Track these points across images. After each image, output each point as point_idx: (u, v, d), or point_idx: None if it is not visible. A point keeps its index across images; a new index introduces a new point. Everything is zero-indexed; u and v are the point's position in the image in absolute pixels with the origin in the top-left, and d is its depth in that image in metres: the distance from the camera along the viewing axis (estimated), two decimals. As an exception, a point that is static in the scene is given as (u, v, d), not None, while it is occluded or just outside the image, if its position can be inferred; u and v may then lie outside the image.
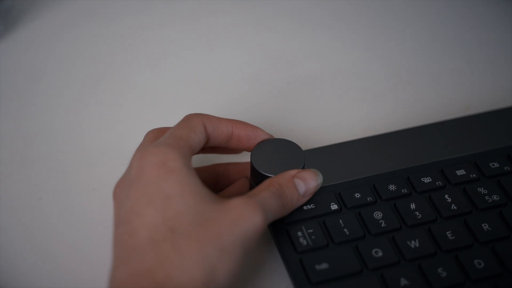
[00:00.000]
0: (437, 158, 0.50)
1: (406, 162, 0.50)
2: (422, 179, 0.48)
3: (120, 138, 0.55)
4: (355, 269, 0.43)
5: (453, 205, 0.47)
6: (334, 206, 0.46)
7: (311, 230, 0.45)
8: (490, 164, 0.49)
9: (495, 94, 0.60)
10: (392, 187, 0.48)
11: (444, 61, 0.63)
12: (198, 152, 0.46)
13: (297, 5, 0.68)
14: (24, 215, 0.49)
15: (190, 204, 0.39)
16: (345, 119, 0.57)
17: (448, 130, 0.52)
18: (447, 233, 0.45)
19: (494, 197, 0.47)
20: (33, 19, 0.66)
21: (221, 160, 0.51)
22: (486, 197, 0.47)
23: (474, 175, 0.49)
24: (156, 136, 0.46)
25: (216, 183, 0.50)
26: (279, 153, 0.47)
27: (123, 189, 0.42)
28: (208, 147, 0.48)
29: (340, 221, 0.46)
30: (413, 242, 0.45)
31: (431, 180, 0.48)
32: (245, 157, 0.51)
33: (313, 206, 0.46)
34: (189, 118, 0.45)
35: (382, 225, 0.46)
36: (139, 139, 0.47)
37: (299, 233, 0.45)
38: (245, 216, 0.39)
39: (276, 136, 0.48)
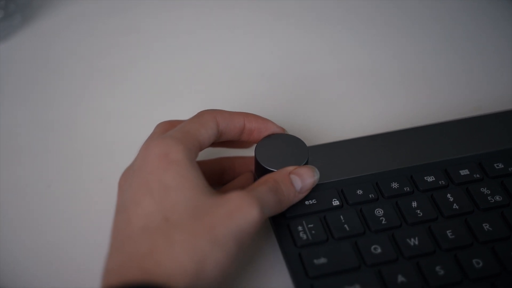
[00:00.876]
0: (442, 157, 0.50)
1: (410, 160, 0.50)
2: (425, 178, 0.48)
3: (131, 131, 0.56)
4: (353, 264, 0.44)
5: (455, 204, 0.47)
6: (335, 202, 0.47)
7: (311, 225, 0.45)
8: (495, 164, 0.49)
9: (506, 95, 0.59)
10: (394, 185, 0.48)
11: (456, 61, 0.63)
12: (210, 146, 0.47)
13: (312, 3, 0.69)
14: (32, 202, 0.50)
15: (187, 196, 0.39)
16: (355, 117, 0.58)
17: (455, 130, 0.52)
18: (447, 232, 0.45)
19: (497, 198, 0.47)
20: (51, 11, 0.67)
21: (227, 154, 0.52)
22: (488, 197, 0.47)
23: (477, 175, 0.49)
24: (166, 128, 0.47)
25: (222, 176, 0.51)
26: (283, 148, 0.48)
27: (127, 179, 0.43)
28: (220, 142, 0.49)
29: (341, 217, 0.46)
30: (412, 240, 0.45)
31: (434, 179, 0.48)
32: (251, 152, 0.52)
33: (315, 202, 0.47)
34: (202, 114, 0.46)
35: (383, 222, 0.46)
36: (149, 131, 0.47)
37: (300, 228, 0.45)
38: (241, 210, 0.40)
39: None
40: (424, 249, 0.44)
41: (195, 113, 0.52)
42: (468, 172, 0.49)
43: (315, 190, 0.47)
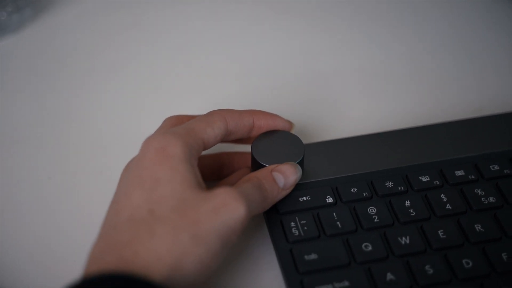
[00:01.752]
0: (438, 158, 0.50)
1: (406, 160, 0.50)
2: (420, 177, 0.49)
3: (133, 125, 0.57)
4: (343, 261, 0.44)
5: (448, 204, 0.47)
6: (329, 199, 0.47)
7: (304, 221, 0.46)
8: (491, 166, 0.50)
9: (509, 97, 0.59)
10: (389, 184, 0.48)
11: (459, 61, 0.63)
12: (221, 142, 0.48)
13: (318, 2, 0.69)
14: (33, 193, 0.51)
15: (175, 189, 0.40)
16: (355, 116, 0.58)
17: (453, 130, 0.52)
18: (439, 231, 0.46)
19: (491, 199, 0.48)
20: (61, 6, 0.68)
21: (227, 149, 0.53)
22: (482, 198, 0.48)
23: (472, 176, 0.49)
24: (173, 123, 0.48)
25: (220, 171, 0.51)
26: (280, 144, 0.48)
27: (126, 171, 0.44)
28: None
29: (334, 214, 0.47)
30: (403, 238, 0.45)
31: (429, 179, 0.49)
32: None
33: (309, 198, 0.47)
34: (211, 114, 0.46)
35: (375, 220, 0.46)
36: (154, 126, 0.48)
37: (292, 224, 0.46)
38: (227, 206, 0.40)
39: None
40: (415, 248, 0.45)
41: (199, 108, 0.53)
42: (463, 173, 0.49)
43: (310, 187, 0.48)
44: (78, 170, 0.53)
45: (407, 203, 0.47)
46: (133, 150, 0.46)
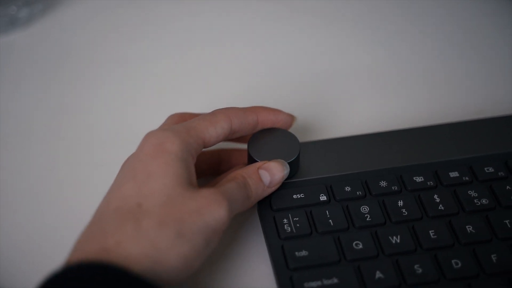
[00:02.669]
0: (433, 159, 0.51)
1: (401, 160, 0.51)
2: (414, 178, 0.49)
3: (136, 120, 0.58)
4: (333, 259, 0.45)
5: (440, 205, 0.48)
6: (323, 197, 0.48)
7: (296, 218, 0.47)
8: (485, 168, 0.50)
9: (509, 99, 0.60)
10: (383, 184, 0.49)
11: (463, 63, 0.63)
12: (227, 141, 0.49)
13: (322, 2, 0.70)
14: (34, 184, 0.53)
15: (166, 184, 0.41)
16: (355, 116, 0.59)
17: (450, 132, 0.53)
18: (430, 232, 0.46)
19: (483, 201, 0.48)
20: (72, 1, 0.69)
21: (226, 146, 0.54)
22: (475, 200, 0.48)
23: (466, 178, 0.49)
24: (175, 121, 0.49)
25: (218, 166, 0.52)
26: (276, 142, 0.49)
27: (124, 164, 0.45)
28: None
29: (327, 212, 0.47)
30: (394, 238, 0.46)
31: (423, 179, 0.49)
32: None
33: (303, 196, 0.48)
34: (215, 113, 0.47)
35: (367, 219, 0.47)
36: (155, 122, 0.50)
37: (285, 220, 0.47)
38: (209, 207, 0.41)
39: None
40: (405, 247, 0.45)
41: (202, 105, 0.54)
42: (458, 175, 0.50)
43: (304, 185, 0.49)
44: (78, 162, 0.54)
45: (400, 203, 0.48)
46: (134, 145, 0.46)
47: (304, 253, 0.45)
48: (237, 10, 0.69)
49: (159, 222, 0.39)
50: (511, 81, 0.61)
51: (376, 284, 0.44)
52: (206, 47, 0.66)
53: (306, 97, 0.60)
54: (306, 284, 0.43)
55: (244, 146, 0.53)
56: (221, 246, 0.47)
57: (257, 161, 0.48)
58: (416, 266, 0.44)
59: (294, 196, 0.48)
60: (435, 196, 0.48)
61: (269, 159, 0.48)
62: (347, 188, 0.49)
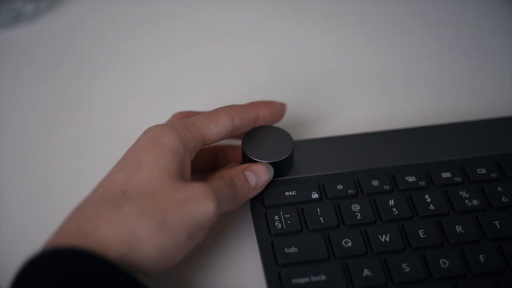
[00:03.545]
0: (426, 159, 0.51)
1: (394, 160, 0.51)
2: (406, 178, 0.50)
3: (139, 116, 0.59)
4: (322, 256, 0.45)
5: (431, 205, 0.48)
6: (315, 195, 0.49)
7: (288, 215, 0.47)
8: (478, 169, 0.50)
9: (507, 102, 0.60)
10: (375, 183, 0.49)
11: (460, 65, 0.64)
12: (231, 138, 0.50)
13: (324, 2, 0.70)
14: (32, 176, 0.54)
15: (154, 176, 0.42)
16: (352, 115, 0.59)
17: (444, 133, 0.53)
18: (420, 231, 0.47)
19: (474, 202, 0.48)
20: (77, -3, 0.70)
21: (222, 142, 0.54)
22: (466, 200, 0.48)
23: (458, 179, 0.50)
24: (180, 118, 0.50)
25: (214, 163, 0.53)
26: (270, 140, 0.50)
27: (123, 155, 0.45)
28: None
29: (318, 209, 0.48)
30: (384, 236, 0.46)
31: (415, 179, 0.50)
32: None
33: (295, 193, 0.49)
34: (217, 111, 0.48)
35: (358, 217, 0.47)
36: (156, 119, 0.50)
37: (276, 217, 0.47)
38: (197, 201, 0.41)
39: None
40: (394, 246, 0.46)
41: (204, 102, 0.55)
42: (450, 175, 0.50)
43: (297, 183, 0.49)
44: (78, 156, 0.55)
45: (391, 202, 0.48)
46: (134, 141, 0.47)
47: (293, 249, 0.46)
48: (239, 8, 0.70)
49: (141, 210, 0.40)
50: (508, 83, 0.61)
51: (363, 281, 0.44)
52: (208, 45, 0.66)
53: (305, 96, 0.61)
54: (294, 281, 0.44)
55: (239, 142, 0.53)
56: (213, 241, 0.48)
57: (251, 159, 0.48)
58: (404, 265, 0.45)
59: (286, 193, 0.49)
60: (426, 196, 0.49)
61: (263, 156, 0.48)
62: (339, 187, 0.49)
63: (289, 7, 0.70)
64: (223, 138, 0.48)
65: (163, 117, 0.53)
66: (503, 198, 0.49)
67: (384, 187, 0.49)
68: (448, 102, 0.60)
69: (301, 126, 0.58)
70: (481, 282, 0.44)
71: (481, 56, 0.65)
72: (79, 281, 0.36)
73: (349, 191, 0.49)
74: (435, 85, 0.62)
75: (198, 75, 0.63)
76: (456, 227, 0.47)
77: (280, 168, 0.49)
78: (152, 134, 0.44)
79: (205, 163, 0.52)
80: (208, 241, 0.48)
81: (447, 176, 0.50)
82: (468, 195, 0.49)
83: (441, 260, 0.45)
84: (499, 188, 0.49)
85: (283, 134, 0.50)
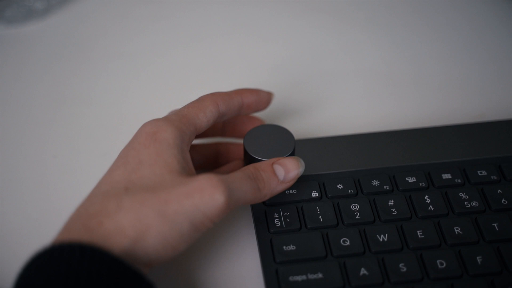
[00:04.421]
0: (427, 160, 0.51)
1: (396, 161, 0.51)
2: (406, 178, 0.50)
3: (142, 111, 0.59)
4: (319, 254, 0.46)
5: (430, 206, 0.48)
6: (315, 194, 0.49)
7: (287, 213, 0.48)
8: (478, 171, 0.51)
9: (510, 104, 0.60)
10: (375, 183, 0.50)
11: (465, 67, 0.64)
12: (213, 135, 0.51)
13: (327, 2, 0.71)
14: (38, 170, 0.54)
15: (155, 172, 0.42)
16: (355, 115, 0.59)
17: (447, 134, 0.53)
18: (418, 231, 0.47)
19: (473, 204, 0.49)
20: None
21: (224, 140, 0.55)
22: (465, 202, 0.49)
23: (459, 180, 0.50)
24: None
25: (216, 159, 0.53)
26: (272, 138, 0.50)
27: (120, 153, 0.46)
28: (222, 129, 0.53)
29: (317, 208, 0.48)
30: (382, 236, 0.47)
31: (415, 180, 0.50)
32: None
33: (295, 192, 0.49)
34: (203, 99, 0.48)
35: (357, 217, 0.48)
36: (159, 114, 0.51)
37: (276, 215, 0.48)
38: (202, 191, 0.41)
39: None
40: (391, 245, 0.46)
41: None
42: (450, 177, 0.50)
43: (297, 181, 0.49)
44: (83, 151, 0.56)
45: (390, 202, 0.49)
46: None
47: (291, 247, 0.46)
48: (245, 7, 0.70)
49: (141, 203, 0.40)
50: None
51: (359, 280, 0.45)
52: (213, 42, 0.67)
53: (307, 95, 0.61)
54: (291, 278, 0.44)
55: (241, 140, 0.54)
56: (214, 238, 0.49)
57: (252, 156, 0.49)
58: (401, 265, 0.45)
59: (287, 192, 0.49)
60: (426, 197, 0.49)
61: (265, 154, 0.49)
62: (339, 186, 0.50)
63: (295, 6, 0.70)
64: (211, 125, 0.48)
65: (165, 111, 0.53)
66: (503, 200, 0.49)
67: (384, 187, 0.50)
68: (451, 103, 0.60)
69: (303, 125, 0.58)
70: (477, 283, 0.44)
71: (486, 57, 0.65)
72: (83, 275, 0.37)
73: (349, 191, 0.49)
74: (437, 87, 0.62)
75: (201, 72, 0.64)
76: (455, 228, 0.47)
77: (281, 166, 0.49)
78: (149, 129, 0.45)
79: (207, 160, 0.53)
80: (209, 237, 0.49)
81: (447, 177, 0.50)
82: (468, 197, 0.49)
83: (438, 261, 0.45)
84: (499, 191, 0.49)
85: (285, 133, 0.51)
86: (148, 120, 0.50)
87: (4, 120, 0.58)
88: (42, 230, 0.50)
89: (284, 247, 0.46)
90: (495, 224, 0.47)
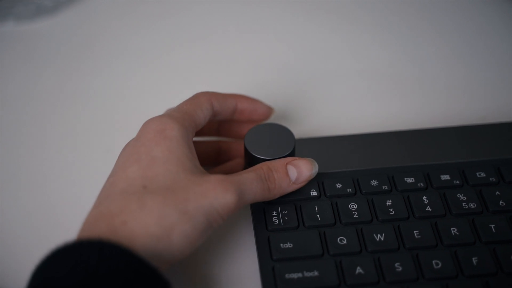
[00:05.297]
0: (427, 161, 0.52)
1: (395, 161, 0.52)
2: (405, 179, 0.50)
3: (147, 109, 0.60)
4: (316, 252, 0.46)
5: (428, 206, 0.49)
6: (313, 193, 0.50)
7: (285, 212, 0.48)
8: (477, 173, 0.51)
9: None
10: (374, 183, 0.50)
11: (468, 69, 0.64)
12: (209, 134, 0.52)
13: (329, 2, 0.71)
14: (42, 165, 0.55)
15: (170, 169, 0.43)
16: (357, 116, 0.60)
17: (446, 136, 0.54)
18: (415, 232, 0.47)
19: (471, 205, 0.49)
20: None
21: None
22: (463, 203, 0.49)
23: (457, 182, 0.50)
24: None
25: (217, 157, 0.54)
26: (272, 137, 0.51)
27: (125, 148, 0.47)
28: (217, 129, 0.54)
29: (316, 207, 0.49)
30: (379, 235, 0.47)
31: (413, 180, 0.50)
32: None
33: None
34: (198, 96, 0.49)
35: (354, 216, 0.48)
36: (162, 111, 0.51)
37: (274, 213, 0.48)
38: (216, 190, 0.42)
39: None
40: (388, 245, 0.47)
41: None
42: (449, 178, 0.51)
43: (297, 180, 0.50)
44: (86, 147, 0.57)
45: (388, 202, 0.49)
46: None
47: (288, 245, 0.46)
48: (248, 6, 0.71)
49: (163, 202, 0.41)
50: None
51: (355, 279, 0.45)
52: (216, 41, 0.67)
53: (308, 95, 0.62)
54: (287, 275, 0.45)
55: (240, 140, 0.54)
56: (213, 236, 0.49)
57: (253, 155, 0.49)
58: (396, 264, 0.46)
59: (286, 190, 0.49)
60: (424, 197, 0.49)
61: (265, 153, 0.49)
62: (338, 185, 0.50)
63: (299, 5, 0.70)
64: (206, 123, 0.49)
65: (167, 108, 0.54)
66: (501, 202, 0.49)
67: (383, 187, 0.50)
68: (453, 105, 0.60)
69: (304, 125, 0.58)
70: (472, 284, 0.45)
71: (491, 60, 0.65)
72: (101, 270, 0.37)
73: (348, 190, 0.50)
74: (439, 88, 0.62)
75: (206, 71, 0.64)
76: (451, 229, 0.48)
77: (281, 165, 0.50)
78: (156, 126, 0.45)
79: (208, 157, 0.54)
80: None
81: (446, 178, 0.51)
82: (465, 198, 0.49)
83: (433, 261, 0.46)
84: (497, 192, 0.50)
85: (285, 132, 0.51)
86: (145, 113, 0.51)
87: (12, 117, 0.59)
88: (42, 230, 0.51)
89: (281, 244, 0.47)
90: (492, 226, 0.48)
